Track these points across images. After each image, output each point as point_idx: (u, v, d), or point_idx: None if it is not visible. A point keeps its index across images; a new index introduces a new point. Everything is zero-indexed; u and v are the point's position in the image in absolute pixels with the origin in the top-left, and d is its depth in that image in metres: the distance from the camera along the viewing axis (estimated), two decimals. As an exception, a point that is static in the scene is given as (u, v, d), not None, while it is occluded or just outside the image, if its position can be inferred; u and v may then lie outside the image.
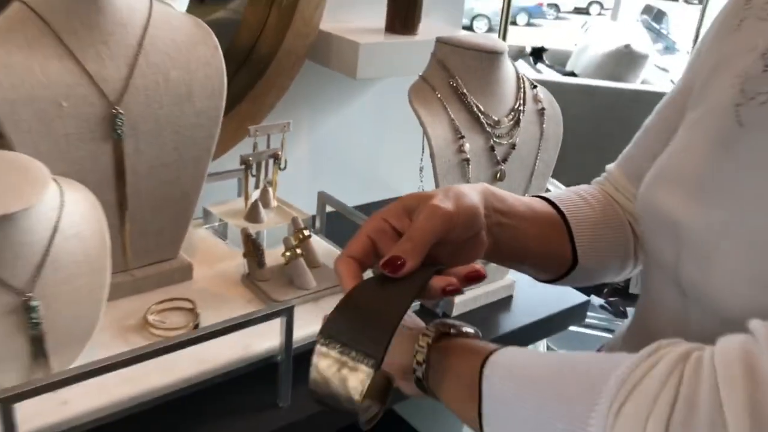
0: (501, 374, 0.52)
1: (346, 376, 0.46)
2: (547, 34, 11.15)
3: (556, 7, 14.86)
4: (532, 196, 0.72)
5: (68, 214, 0.75)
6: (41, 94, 0.78)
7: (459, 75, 1.01)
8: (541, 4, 14.53)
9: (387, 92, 1.34)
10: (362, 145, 1.39)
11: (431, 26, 1.30)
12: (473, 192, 0.61)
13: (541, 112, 1.09)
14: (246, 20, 1.18)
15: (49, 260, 0.73)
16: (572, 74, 3.98)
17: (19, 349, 0.72)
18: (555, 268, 0.71)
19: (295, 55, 1.14)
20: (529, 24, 13.84)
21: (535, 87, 1.10)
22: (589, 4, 14.99)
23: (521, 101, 1.06)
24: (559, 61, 4.31)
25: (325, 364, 0.47)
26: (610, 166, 0.78)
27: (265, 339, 0.85)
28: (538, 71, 4.00)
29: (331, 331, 0.48)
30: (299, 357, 0.84)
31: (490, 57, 1.01)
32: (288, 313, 0.82)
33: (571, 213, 0.70)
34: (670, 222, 0.55)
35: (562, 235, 0.69)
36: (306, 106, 1.25)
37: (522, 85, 1.07)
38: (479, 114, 1.01)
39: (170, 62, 0.87)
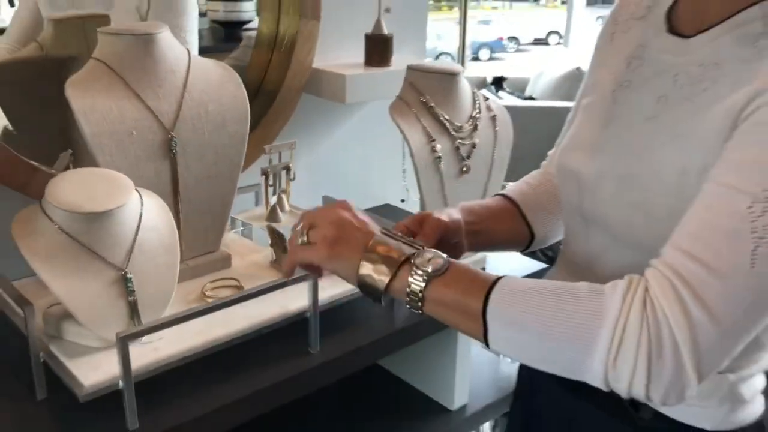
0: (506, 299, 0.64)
1: None
2: (509, 66, 11.62)
3: (516, 39, 15.45)
4: (494, 195, 1.01)
5: (147, 212, 1.01)
6: (117, 128, 1.05)
7: (427, 93, 1.30)
8: (501, 38, 15.10)
9: (371, 113, 1.63)
10: (354, 158, 1.66)
11: (401, 58, 1.59)
12: (456, 212, 0.90)
13: (493, 118, 1.38)
14: (252, 63, 1.46)
15: (137, 245, 0.98)
16: (531, 98, 4.32)
17: (120, 311, 0.97)
18: (522, 244, 0.99)
19: (295, 89, 1.43)
20: (491, 58, 14.36)
21: (487, 99, 1.39)
22: (548, 34, 15.59)
23: (477, 110, 1.35)
24: (519, 88, 4.66)
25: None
26: (550, 152, 1.06)
27: (296, 301, 1.10)
28: (500, 98, 4.34)
29: None
30: (323, 314, 1.10)
31: (449, 77, 1.30)
32: (314, 278, 1.08)
33: (520, 200, 0.99)
34: (573, 174, 0.83)
35: (518, 218, 0.97)
36: (306, 128, 1.53)
37: (476, 98, 1.36)
38: (445, 121, 1.30)
39: (207, 98, 1.14)
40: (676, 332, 0.57)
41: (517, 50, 15.43)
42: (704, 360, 0.57)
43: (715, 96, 0.66)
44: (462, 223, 0.89)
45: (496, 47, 14.88)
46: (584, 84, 0.94)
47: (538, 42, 15.76)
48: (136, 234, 0.99)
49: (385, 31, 1.49)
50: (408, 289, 0.68)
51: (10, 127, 1.32)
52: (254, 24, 1.84)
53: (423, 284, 0.67)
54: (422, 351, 1.37)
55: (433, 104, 1.29)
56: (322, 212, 0.78)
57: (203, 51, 1.84)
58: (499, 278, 0.67)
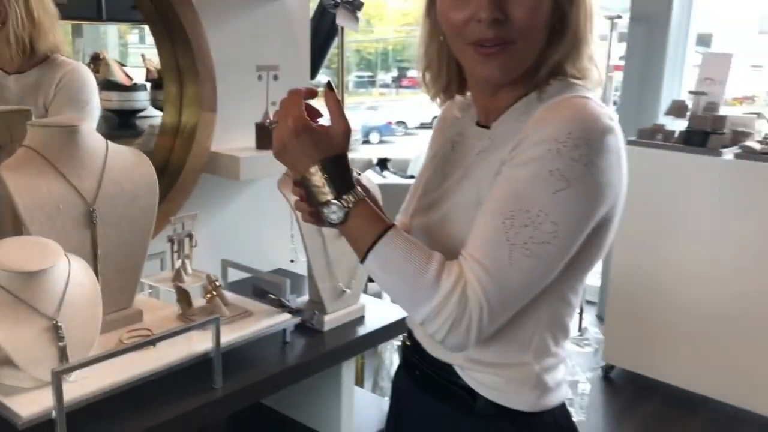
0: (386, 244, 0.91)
1: None
2: (398, 148, 12.22)
3: (404, 124, 16.31)
4: None
5: (74, 271, 1.21)
6: (47, 202, 1.26)
7: (308, 170, 1.58)
8: (390, 123, 15.90)
9: (262, 188, 1.88)
10: (248, 227, 1.91)
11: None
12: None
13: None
14: (157, 147, 1.70)
15: (66, 298, 1.18)
16: (412, 177, 4.75)
17: (52, 354, 1.15)
18: None
19: (196, 169, 1.67)
20: (381, 141, 15.05)
21: (359, 174, 1.69)
22: (433, 118, 16.51)
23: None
24: (401, 168, 5.09)
25: None
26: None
27: (202, 344, 1.31)
28: (384, 177, 4.72)
29: None
30: (225, 354, 1.31)
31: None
32: (216, 322, 1.30)
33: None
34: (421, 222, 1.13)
35: None
36: (206, 202, 1.76)
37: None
38: (324, 193, 1.58)
39: (123, 177, 1.37)
40: (472, 312, 0.89)
41: (405, 134, 16.21)
42: (483, 328, 0.89)
43: (496, 156, 0.97)
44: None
45: (385, 131, 15.59)
46: (424, 161, 1.25)
47: (424, 126, 16.64)
48: (65, 289, 1.18)
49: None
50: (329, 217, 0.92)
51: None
52: (148, 112, 2.07)
53: (341, 218, 0.91)
54: (311, 389, 1.59)
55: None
56: (281, 115, 0.94)
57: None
58: (388, 228, 0.91)
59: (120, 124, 2.09)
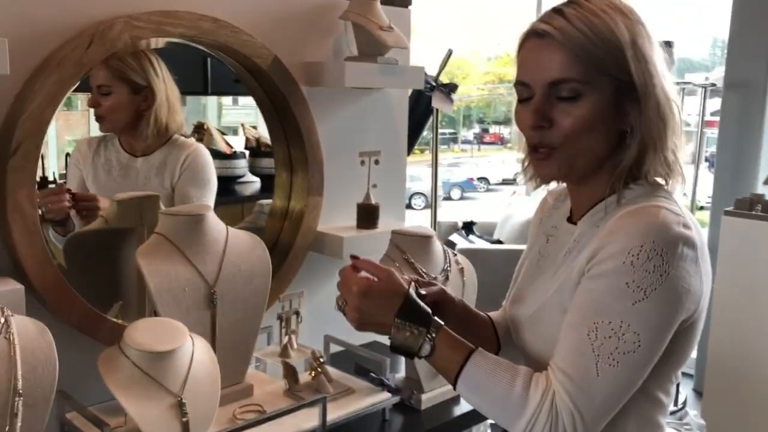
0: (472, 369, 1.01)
1: None
2: (480, 206, 12.21)
3: (486, 180, 16.34)
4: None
5: (197, 350, 1.32)
6: (174, 285, 1.38)
7: (408, 251, 1.66)
8: (471, 179, 15.96)
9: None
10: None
11: (386, 222, 1.97)
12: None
13: (461, 269, 1.73)
14: (267, 229, 1.82)
15: (190, 377, 1.28)
16: (499, 242, 4.76)
17: (175, 429, 1.25)
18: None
19: (303, 248, 1.78)
20: (462, 198, 15.09)
21: (455, 254, 1.75)
22: (515, 174, 16.44)
23: (448, 263, 1.71)
24: (487, 231, 5.11)
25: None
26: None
27: (307, 421, 1.39)
28: (471, 242, 4.76)
29: None
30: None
31: (425, 239, 1.67)
32: (323, 401, 1.38)
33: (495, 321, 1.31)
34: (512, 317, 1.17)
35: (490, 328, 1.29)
36: (310, 280, 1.86)
37: (447, 255, 1.72)
38: (423, 274, 1.65)
39: (241, 260, 1.49)
40: (566, 423, 0.93)
41: (487, 190, 16.19)
42: None
43: (577, 262, 1.02)
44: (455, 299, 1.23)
45: (467, 187, 15.63)
46: (524, 252, 1.30)
47: (506, 182, 16.58)
48: (190, 367, 1.29)
49: (373, 201, 1.88)
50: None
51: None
52: (246, 178, 2.19)
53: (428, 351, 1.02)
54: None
55: (413, 260, 1.65)
56: (344, 289, 1.09)
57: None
58: (471, 352, 1.00)
59: (221, 190, 2.24)
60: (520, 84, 1.03)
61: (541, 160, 1.03)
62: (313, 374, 1.55)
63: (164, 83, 1.77)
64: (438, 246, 1.70)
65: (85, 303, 1.43)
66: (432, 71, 2.43)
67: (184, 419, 1.25)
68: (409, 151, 2.60)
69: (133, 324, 1.29)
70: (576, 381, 0.93)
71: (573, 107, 0.98)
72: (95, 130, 1.78)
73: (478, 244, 4.70)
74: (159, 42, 1.61)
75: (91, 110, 1.71)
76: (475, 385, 0.99)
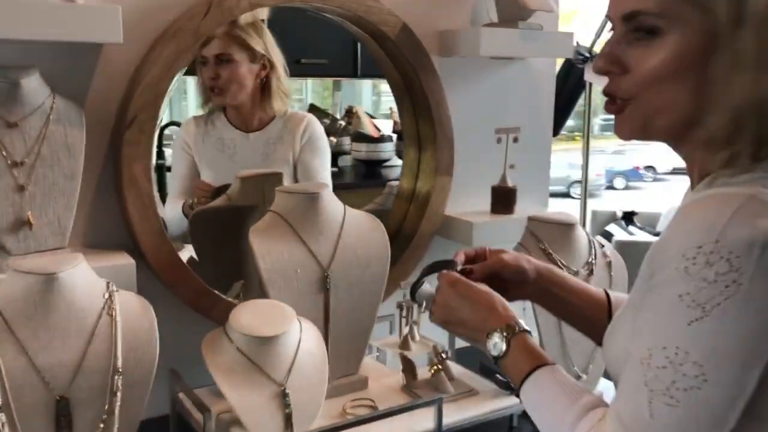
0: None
1: None
2: (646, 196, 11.42)
3: (653, 169, 15.25)
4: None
5: (305, 337, 1.23)
6: (286, 266, 1.30)
7: (545, 240, 1.47)
8: (637, 168, 14.97)
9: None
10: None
11: (526, 207, 1.78)
12: (532, 260, 1.11)
13: (608, 263, 1.51)
14: (394, 211, 1.71)
15: (295, 365, 1.19)
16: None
17: (278, 421, 1.17)
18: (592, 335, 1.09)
19: (428, 234, 1.65)
20: (627, 187, 14.21)
21: (603, 246, 1.53)
22: (687, 163, 15.16)
23: (593, 256, 1.49)
24: (650, 223, 4.68)
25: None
26: None
27: (422, 422, 1.26)
28: (630, 233, 4.37)
29: None
30: (447, 436, 1.24)
31: (566, 227, 1.47)
32: (439, 403, 1.24)
33: (615, 305, 1.09)
34: None
35: (603, 314, 1.07)
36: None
37: (593, 245, 1.51)
38: (563, 267, 1.45)
39: (357, 243, 1.38)
40: None
41: (654, 179, 15.14)
42: None
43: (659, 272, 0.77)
44: (530, 273, 1.08)
45: (632, 176, 14.70)
46: None
47: (677, 171, 15.40)
48: (295, 355, 1.20)
49: (510, 184, 1.70)
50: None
51: (195, 257, 1.62)
52: (393, 162, 2.11)
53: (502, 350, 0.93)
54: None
55: (551, 251, 1.46)
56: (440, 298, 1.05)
57: (347, 186, 2.12)
58: (540, 366, 0.88)
59: (367, 174, 2.17)
60: (608, 20, 0.82)
61: (615, 114, 0.82)
62: (433, 371, 1.41)
63: (280, 54, 1.70)
64: (581, 235, 1.50)
65: (200, 281, 1.39)
66: (586, 40, 2.18)
67: (287, 410, 1.17)
68: (558, 130, 2.37)
69: (239, 305, 1.22)
70: (627, 424, 0.72)
71: (649, 49, 0.76)
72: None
73: (638, 236, 4.31)
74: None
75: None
76: (534, 400, 0.88)
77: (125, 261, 1.24)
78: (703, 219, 0.70)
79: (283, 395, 1.17)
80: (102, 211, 1.33)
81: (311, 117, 1.78)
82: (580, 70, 2.12)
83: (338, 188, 1.70)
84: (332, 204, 1.38)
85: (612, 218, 4.62)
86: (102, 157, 1.32)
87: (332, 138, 2.16)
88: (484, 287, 1.01)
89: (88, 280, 1.10)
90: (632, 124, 0.81)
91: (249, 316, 1.20)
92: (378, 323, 1.57)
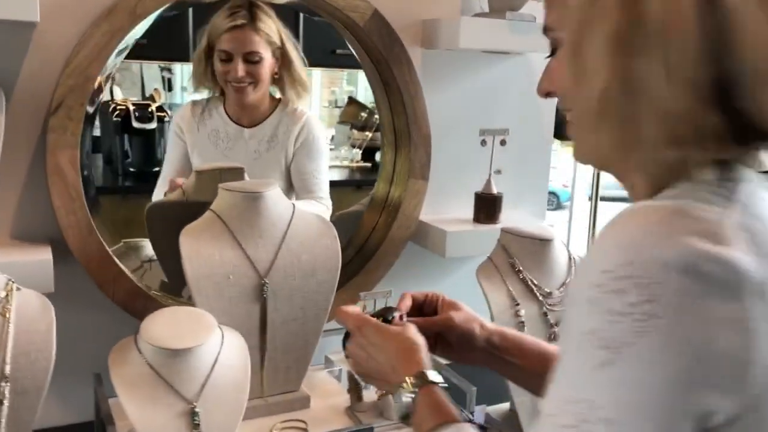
0: None
1: None
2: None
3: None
4: None
5: (225, 350, 1.12)
6: (217, 271, 1.20)
7: (517, 256, 1.31)
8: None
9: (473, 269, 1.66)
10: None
11: (516, 216, 1.62)
12: (485, 329, 0.94)
13: (590, 286, 1.34)
14: (364, 220, 1.58)
15: (210, 381, 1.09)
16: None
17: (185, 441, 1.06)
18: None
19: (399, 240, 1.51)
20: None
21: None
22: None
23: (571, 276, 1.33)
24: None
25: None
26: None
27: (354, 453, 1.13)
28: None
29: None
30: (378, 470, 1.11)
31: (542, 243, 1.31)
32: (370, 433, 1.11)
33: None
34: None
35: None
36: (406, 278, 1.59)
37: (573, 264, 1.35)
38: (533, 286, 1.29)
39: (302, 249, 1.26)
40: None
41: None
42: None
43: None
44: (476, 338, 0.94)
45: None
46: None
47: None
48: (211, 371, 1.09)
49: (495, 191, 1.54)
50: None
51: (154, 256, 1.53)
52: None
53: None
54: None
55: (521, 268, 1.30)
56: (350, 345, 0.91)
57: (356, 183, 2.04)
58: (449, 422, 0.76)
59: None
60: None
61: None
62: (379, 393, 1.28)
63: (295, 43, 1.61)
64: (560, 253, 1.33)
65: (132, 280, 1.30)
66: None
67: (196, 431, 1.06)
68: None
69: (154, 313, 1.12)
70: None
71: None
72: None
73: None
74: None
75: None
76: None
77: (42, 257, 1.16)
78: (615, 237, 0.56)
79: (192, 414, 1.07)
80: (31, 202, 1.25)
81: (310, 116, 1.67)
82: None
83: (370, 183, 1.67)
84: (278, 205, 1.27)
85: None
86: (33, 146, 1.24)
87: (367, 132, 2.07)
88: (398, 329, 0.87)
89: (-17, 277, 1.02)
90: (576, 148, 0.69)
91: (162, 326, 1.09)
92: (340, 334, 1.45)
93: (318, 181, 1.66)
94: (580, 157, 0.70)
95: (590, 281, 0.55)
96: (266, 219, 1.24)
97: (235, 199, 1.24)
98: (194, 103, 1.66)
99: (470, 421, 1.25)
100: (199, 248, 1.20)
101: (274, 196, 1.26)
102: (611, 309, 0.53)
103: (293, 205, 1.30)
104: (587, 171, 4.37)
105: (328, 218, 1.61)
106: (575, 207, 4.12)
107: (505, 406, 1.38)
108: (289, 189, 1.66)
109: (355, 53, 1.51)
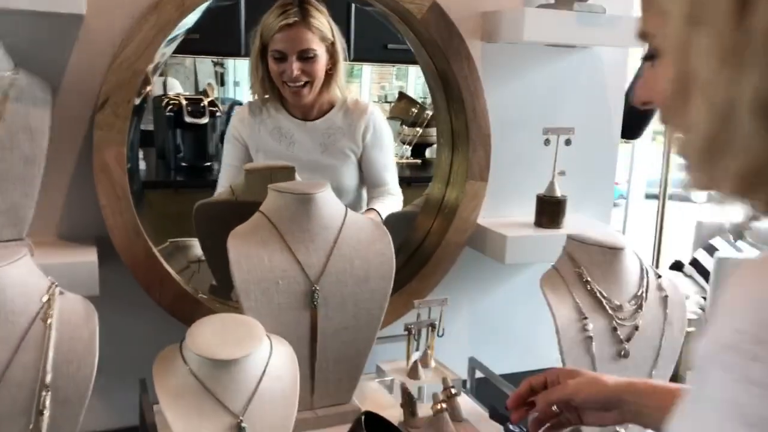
0: None
1: None
2: None
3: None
4: None
5: (274, 361, 1.06)
6: (266, 276, 1.14)
7: (584, 265, 1.22)
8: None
9: (536, 275, 1.57)
10: (510, 320, 1.59)
11: (581, 220, 1.53)
12: (606, 378, 0.90)
13: (664, 298, 1.24)
14: (418, 224, 1.50)
15: (257, 394, 1.03)
16: (776, 253, 3.82)
17: (231, 457, 1.01)
18: None
19: (455, 245, 1.43)
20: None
21: (659, 276, 1.26)
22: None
23: (644, 288, 1.23)
24: (766, 239, 4.16)
25: None
26: None
27: (408, 474, 1.06)
28: (738, 249, 3.90)
29: None
30: (434, 493, 1.03)
31: (612, 252, 1.21)
32: (425, 454, 1.03)
33: None
34: None
35: None
36: (465, 284, 1.51)
37: (645, 275, 1.25)
38: (602, 298, 1.20)
39: (355, 254, 1.19)
40: None
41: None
42: None
43: None
44: (612, 392, 0.89)
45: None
46: None
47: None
48: (259, 383, 1.03)
49: (559, 193, 1.45)
50: None
51: (202, 256, 1.49)
52: None
53: None
54: None
55: (589, 278, 1.21)
56: None
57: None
58: None
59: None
60: None
61: None
62: (436, 408, 1.21)
63: (342, 40, 1.57)
64: (631, 263, 1.24)
65: (179, 283, 1.25)
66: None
67: (242, 446, 1.01)
68: (639, 134, 2.06)
69: (201, 319, 1.07)
70: None
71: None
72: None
73: (747, 252, 3.83)
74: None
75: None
76: None
77: (88, 258, 1.12)
78: (748, 292, 0.47)
79: (239, 428, 1.01)
80: (78, 201, 1.21)
81: (375, 109, 1.67)
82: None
83: (421, 181, 1.66)
84: (330, 208, 1.20)
85: (719, 230, 4.15)
86: (81, 142, 1.20)
87: (418, 128, 2.02)
88: None
89: (26, 280, 0.98)
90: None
91: (209, 334, 1.04)
92: (392, 342, 1.39)
93: (389, 175, 1.67)
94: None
95: (723, 342, 0.46)
96: (317, 222, 1.18)
97: (285, 200, 1.18)
98: (251, 104, 1.64)
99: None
100: (247, 252, 1.14)
101: (326, 197, 1.20)
102: (751, 378, 0.44)
103: (346, 207, 1.23)
104: (644, 167, 4.20)
105: (400, 207, 1.64)
106: (631, 205, 3.96)
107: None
108: (360, 182, 1.66)
109: (411, 47, 1.44)
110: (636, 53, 1.62)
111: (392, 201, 1.65)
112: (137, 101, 1.18)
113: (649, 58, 0.63)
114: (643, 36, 0.63)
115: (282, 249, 1.16)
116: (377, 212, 1.60)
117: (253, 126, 1.61)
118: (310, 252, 1.17)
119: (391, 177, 1.68)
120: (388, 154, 1.68)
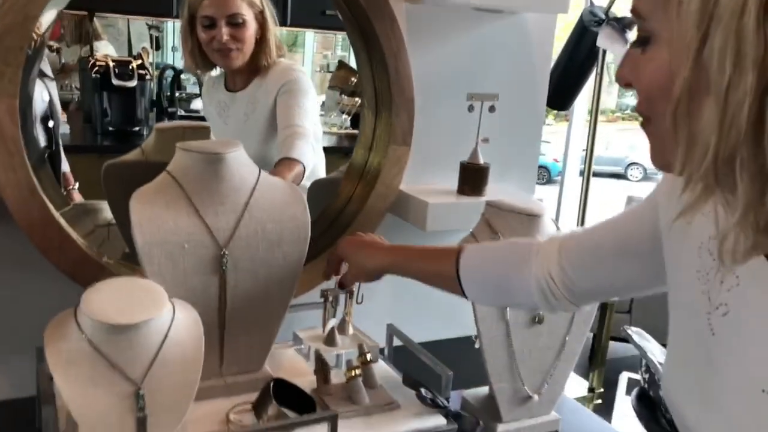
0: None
1: None
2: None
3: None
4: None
5: (176, 326, 1.01)
6: (171, 239, 1.08)
7: (501, 232, 1.21)
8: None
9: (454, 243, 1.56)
10: (433, 288, 1.58)
11: (503, 189, 1.52)
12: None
13: (580, 266, 1.24)
14: (341, 189, 1.47)
15: (158, 360, 0.98)
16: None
17: (127, 427, 0.96)
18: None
19: (377, 211, 1.40)
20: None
21: (576, 244, 1.26)
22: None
23: (560, 256, 1.23)
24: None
25: None
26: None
27: (316, 441, 1.04)
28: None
29: None
30: (342, 460, 1.02)
31: (529, 219, 1.21)
32: (332, 420, 1.01)
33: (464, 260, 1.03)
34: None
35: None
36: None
37: (562, 243, 1.24)
38: (518, 266, 1.19)
39: (267, 217, 1.15)
40: None
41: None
42: None
43: None
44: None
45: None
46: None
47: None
48: (159, 349, 0.99)
49: (482, 161, 1.43)
50: None
51: (113, 221, 1.42)
52: None
53: None
54: None
55: (506, 245, 1.20)
56: None
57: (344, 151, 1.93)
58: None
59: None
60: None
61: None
62: (349, 375, 1.18)
63: (270, 4, 1.51)
64: (548, 230, 1.23)
65: (81, 247, 1.19)
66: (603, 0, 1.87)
67: (140, 415, 0.96)
68: (568, 104, 2.06)
69: (98, 283, 1.01)
70: None
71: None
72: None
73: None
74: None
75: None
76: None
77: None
78: None
79: (137, 396, 0.96)
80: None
81: (299, 72, 1.56)
82: (594, 34, 1.81)
83: None
84: (242, 169, 1.15)
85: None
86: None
87: (357, 98, 1.97)
88: None
89: None
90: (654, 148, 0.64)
91: (106, 298, 0.98)
92: (309, 310, 1.35)
93: (299, 112, 1.52)
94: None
95: None
96: (227, 183, 1.13)
97: (193, 159, 1.12)
98: (207, 80, 1.61)
99: (445, 407, 1.16)
100: (150, 214, 1.08)
101: (238, 158, 1.15)
102: None
103: (259, 169, 1.19)
104: (581, 146, 4.26)
105: (313, 149, 1.50)
106: (567, 182, 4.02)
107: (484, 390, 1.29)
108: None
109: (335, 5, 1.39)
110: (563, 19, 1.61)
111: (304, 143, 1.46)
112: (29, 51, 1.09)
113: (642, 43, 0.60)
114: (636, 14, 0.61)
115: (189, 211, 1.11)
116: (301, 163, 1.43)
117: (206, 100, 1.60)
118: (219, 215, 1.12)
119: (301, 119, 1.50)
120: (300, 98, 1.53)
